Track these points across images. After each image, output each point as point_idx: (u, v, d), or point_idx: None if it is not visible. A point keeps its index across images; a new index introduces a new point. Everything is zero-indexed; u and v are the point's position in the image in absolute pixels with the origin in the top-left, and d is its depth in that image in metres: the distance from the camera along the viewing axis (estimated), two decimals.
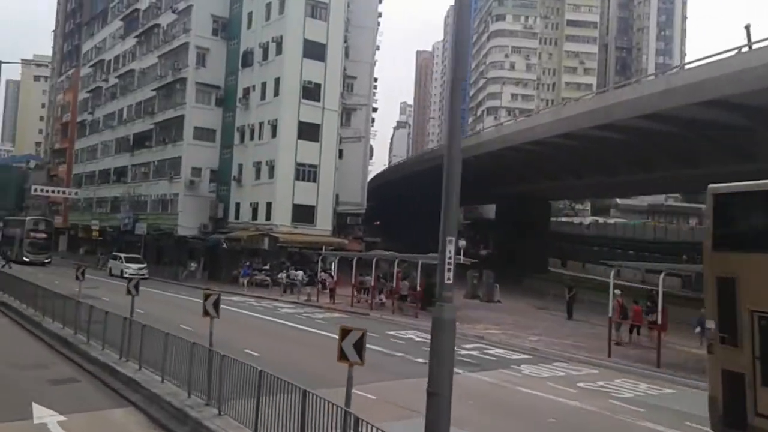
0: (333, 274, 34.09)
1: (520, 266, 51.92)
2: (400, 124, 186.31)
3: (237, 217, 47.44)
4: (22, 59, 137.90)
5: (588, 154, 38.43)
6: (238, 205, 47.58)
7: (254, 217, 45.34)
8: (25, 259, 52.03)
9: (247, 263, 43.46)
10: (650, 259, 47.42)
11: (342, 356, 7.70)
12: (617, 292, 21.65)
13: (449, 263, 8.08)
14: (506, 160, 45.24)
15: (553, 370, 17.48)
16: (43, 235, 54.78)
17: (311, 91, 44.65)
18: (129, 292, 15.55)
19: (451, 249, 8.07)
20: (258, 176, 45.51)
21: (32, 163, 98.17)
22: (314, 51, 44.61)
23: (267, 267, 42.43)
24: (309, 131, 44.41)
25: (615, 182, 43.49)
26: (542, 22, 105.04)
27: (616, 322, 21.40)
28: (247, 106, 47.12)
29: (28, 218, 58.65)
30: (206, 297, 11.42)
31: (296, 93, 44.09)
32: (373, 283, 31.01)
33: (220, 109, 50.28)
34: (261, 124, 45.71)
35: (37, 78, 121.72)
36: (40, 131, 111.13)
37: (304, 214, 44.23)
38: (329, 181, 45.40)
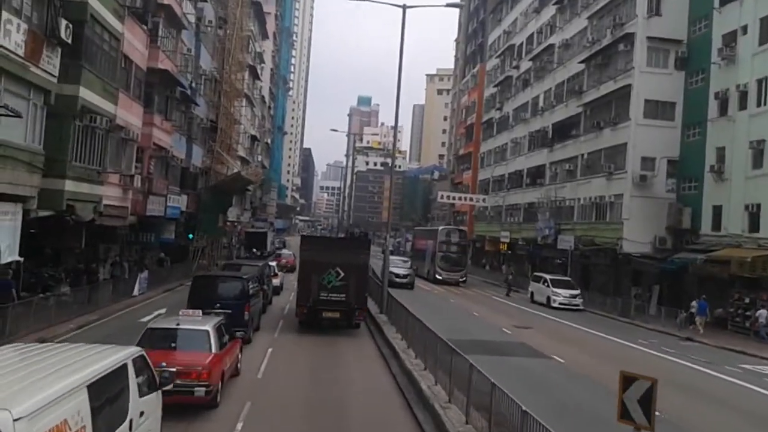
0: None
1: None
2: None
3: (717, 227, 31.45)
4: (426, 74, 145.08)
5: None
6: (717, 209, 31.54)
7: (753, 227, 28.79)
8: (437, 276, 44.23)
9: (745, 299, 27.72)
10: None
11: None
12: None
13: None
14: None
15: None
16: (457, 248, 45.99)
17: None
18: None
19: None
20: (758, 164, 28.89)
21: (436, 174, 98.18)
22: None
23: None
24: None
25: None
26: None
27: None
28: (732, 59, 30.99)
29: (440, 228, 51.13)
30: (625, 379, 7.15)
31: None
32: None
33: (682, 72, 35.14)
34: (761, 81, 29.10)
35: (439, 92, 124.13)
36: (443, 144, 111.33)
37: None
38: None
